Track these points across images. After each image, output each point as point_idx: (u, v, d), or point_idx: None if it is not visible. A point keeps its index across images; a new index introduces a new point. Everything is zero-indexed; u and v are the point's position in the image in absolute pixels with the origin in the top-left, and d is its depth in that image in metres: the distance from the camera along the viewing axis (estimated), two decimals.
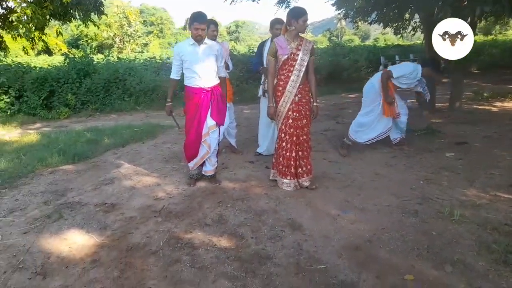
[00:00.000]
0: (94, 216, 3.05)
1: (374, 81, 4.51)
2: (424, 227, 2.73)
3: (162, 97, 9.41)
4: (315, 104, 3.50)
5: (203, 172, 3.75)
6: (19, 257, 2.46)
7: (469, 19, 5.42)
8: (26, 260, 2.43)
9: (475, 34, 5.20)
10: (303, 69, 3.35)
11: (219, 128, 3.62)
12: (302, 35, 3.47)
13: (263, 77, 4.47)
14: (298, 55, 3.33)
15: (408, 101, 5.33)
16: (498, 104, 8.04)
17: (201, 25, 3.29)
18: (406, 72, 4.36)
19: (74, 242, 2.65)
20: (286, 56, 3.32)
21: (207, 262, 2.37)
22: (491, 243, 2.45)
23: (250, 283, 2.17)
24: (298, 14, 3.25)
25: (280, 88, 3.42)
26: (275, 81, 3.46)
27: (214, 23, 4.22)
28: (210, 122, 3.49)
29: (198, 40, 3.35)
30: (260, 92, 4.55)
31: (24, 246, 2.61)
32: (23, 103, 8.42)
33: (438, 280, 2.14)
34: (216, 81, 3.54)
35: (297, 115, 3.42)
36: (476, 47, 13.41)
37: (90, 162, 4.58)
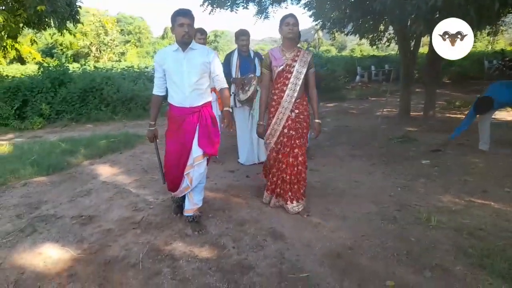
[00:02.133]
0: (70, 229, 2.95)
1: None
2: (403, 233, 2.78)
3: (140, 106, 9.27)
4: (316, 121, 3.16)
5: (183, 212, 3.05)
6: None
7: None
8: None
9: None
10: (300, 82, 3.03)
11: (207, 159, 2.90)
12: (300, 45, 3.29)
13: (233, 88, 4.39)
14: (294, 66, 3.01)
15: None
16: None
17: (186, 19, 2.57)
18: None
19: (49, 256, 2.55)
20: (281, 67, 3.03)
21: (189, 273, 2.33)
22: (467, 248, 2.53)
23: None
24: (281, 19, 3.00)
25: (274, 103, 3.10)
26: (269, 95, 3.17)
27: (200, 30, 4.13)
28: (196, 152, 2.78)
29: (186, 41, 2.61)
30: (232, 102, 4.52)
31: None
32: None
33: (418, 285, 2.17)
34: (207, 99, 2.84)
35: (294, 133, 3.07)
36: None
37: (65, 173, 4.44)
